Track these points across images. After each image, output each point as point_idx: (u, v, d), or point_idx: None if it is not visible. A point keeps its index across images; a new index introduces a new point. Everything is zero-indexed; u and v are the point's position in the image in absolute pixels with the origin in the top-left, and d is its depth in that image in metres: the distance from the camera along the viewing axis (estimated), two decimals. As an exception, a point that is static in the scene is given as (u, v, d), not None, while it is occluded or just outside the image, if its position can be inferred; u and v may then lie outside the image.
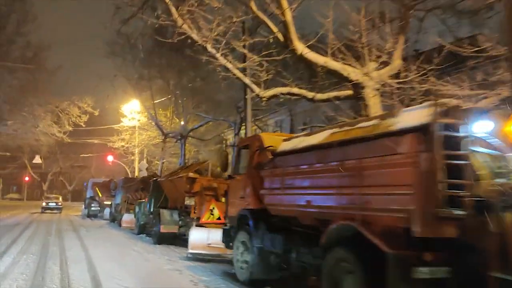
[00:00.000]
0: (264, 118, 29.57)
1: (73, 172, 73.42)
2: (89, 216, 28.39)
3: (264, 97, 12.26)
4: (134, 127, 35.18)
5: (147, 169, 36.64)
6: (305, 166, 6.23)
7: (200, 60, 27.62)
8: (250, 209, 7.89)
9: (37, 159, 40.04)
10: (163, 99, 30.61)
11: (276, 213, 7.25)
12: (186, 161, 33.27)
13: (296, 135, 7.43)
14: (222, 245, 10.37)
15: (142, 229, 16.92)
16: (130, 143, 35.45)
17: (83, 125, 34.50)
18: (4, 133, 35.92)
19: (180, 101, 27.28)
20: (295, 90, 12.17)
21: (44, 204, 33.00)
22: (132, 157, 38.12)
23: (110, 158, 46.06)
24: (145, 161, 36.96)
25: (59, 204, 33.47)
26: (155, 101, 29.34)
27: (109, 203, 27.00)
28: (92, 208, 28.08)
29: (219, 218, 12.89)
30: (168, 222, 13.63)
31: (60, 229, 18.17)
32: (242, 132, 23.95)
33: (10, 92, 33.35)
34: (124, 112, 35.74)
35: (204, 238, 10.63)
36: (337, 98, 12.00)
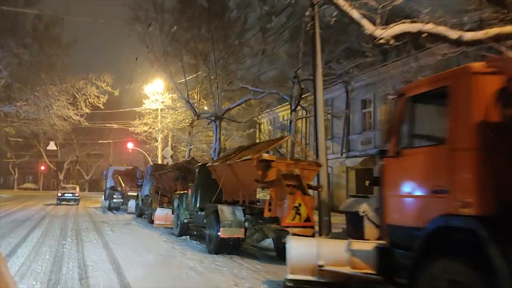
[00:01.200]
0: (310, 97, 25.32)
1: (89, 161, 70.25)
2: (110, 209, 24.52)
3: (382, 38, 8.12)
4: (158, 110, 31.20)
5: (172, 156, 32.88)
6: None
7: (238, 27, 23.71)
8: (480, 217, 3.72)
9: (52, 146, 36.36)
10: (192, 76, 26.50)
11: None
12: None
13: None
14: (343, 268, 6.32)
15: (185, 230, 12.84)
16: (154, 128, 31.47)
17: (102, 107, 30.74)
18: (15, 116, 32.37)
19: (213, 77, 23.11)
20: (430, 27, 7.95)
21: (59, 194, 29.21)
22: (155, 144, 34.15)
23: (130, 145, 42.30)
24: (169, 147, 33.10)
25: (76, 195, 29.70)
26: (182, 79, 25.27)
27: (134, 194, 23.12)
28: (114, 200, 24.19)
29: (307, 220, 8.84)
30: (230, 223, 9.49)
31: (78, 229, 14.20)
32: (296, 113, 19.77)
33: (20, 69, 29.63)
34: (147, 94, 31.82)
35: (311, 255, 6.45)
36: (504, 36, 7.80)
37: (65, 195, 29.31)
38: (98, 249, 9.83)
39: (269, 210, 9.06)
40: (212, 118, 23.63)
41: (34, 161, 71.41)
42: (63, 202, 29.72)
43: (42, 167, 69.27)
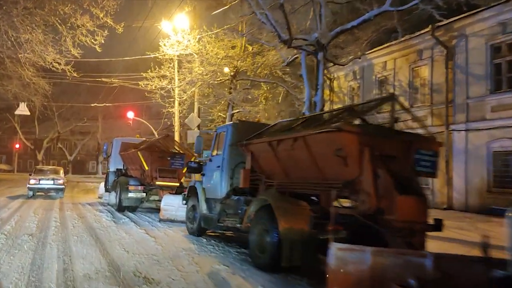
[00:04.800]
0: (456, 23, 14.63)
1: (73, 138, 58.10)
2: (121, 208, 13.37)
3: None
4: (175, 56, 19.90)
5: (199, 126, 21.99)
6: None
7: None
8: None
9: (23, 109, 24.63)
10: None
11: None
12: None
13: None
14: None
15: None
16: (173, 83, 20.28)
17: (98, 50, 19.27)
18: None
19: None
20: None
21: (33, 182, 17.81)
22: (171, 110, 23.00)
23: (130, 114, 30.91)
24: (196, 112, 22.10)
25: (60, 181, 18.34)
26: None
27: (171, 184, 12.27)
28: (130, 195, 12.92)
29: None
30: None
31: None
32: None
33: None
34: (166, 33, 20.63)
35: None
36: None
37: (42, 182, 17.96)
38: None
39: None
40: (312, 48, 12.70)
41: (7, 138, 59.01)
42: (39, 193, 18.55)
43: (17, 145, 56.84)
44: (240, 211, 7.18)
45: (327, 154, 5.78)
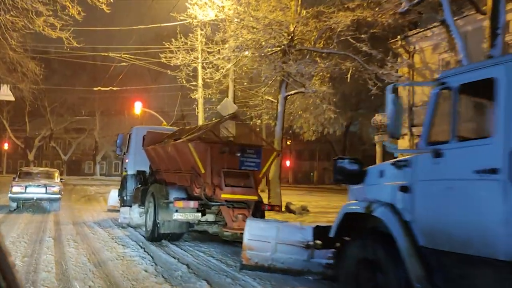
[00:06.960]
0: None
1: (68, 136, 52.26)
2: (156, 237, 7.96)
3: None
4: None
5: (235, 115, 16.50)
6: None
7: None
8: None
9: (6, 93, 18.89)
10: None
11: None
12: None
13: None
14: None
15: None
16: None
17: (106, 10, 13.72)
18: None
19: None
20: None
21: (17, 189, 12.24)
22: (194, 95, 17.79)
23: (138, 104, 25.39)
24: (231, 97, 16.91)
25: (54, 188, 12.71)
26: None
27: (248, 199, 6.92)
28: (177, 216, 7.51)
29: None
30: None
31: None
32: None
33: None
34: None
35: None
36: None
37: (30, 190, 12.38)
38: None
39: None
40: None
41: (-5, 137, 52.94)
42: (26, 204, 13.10)
43: (6, 144, 50.77)
44: None
45: None
